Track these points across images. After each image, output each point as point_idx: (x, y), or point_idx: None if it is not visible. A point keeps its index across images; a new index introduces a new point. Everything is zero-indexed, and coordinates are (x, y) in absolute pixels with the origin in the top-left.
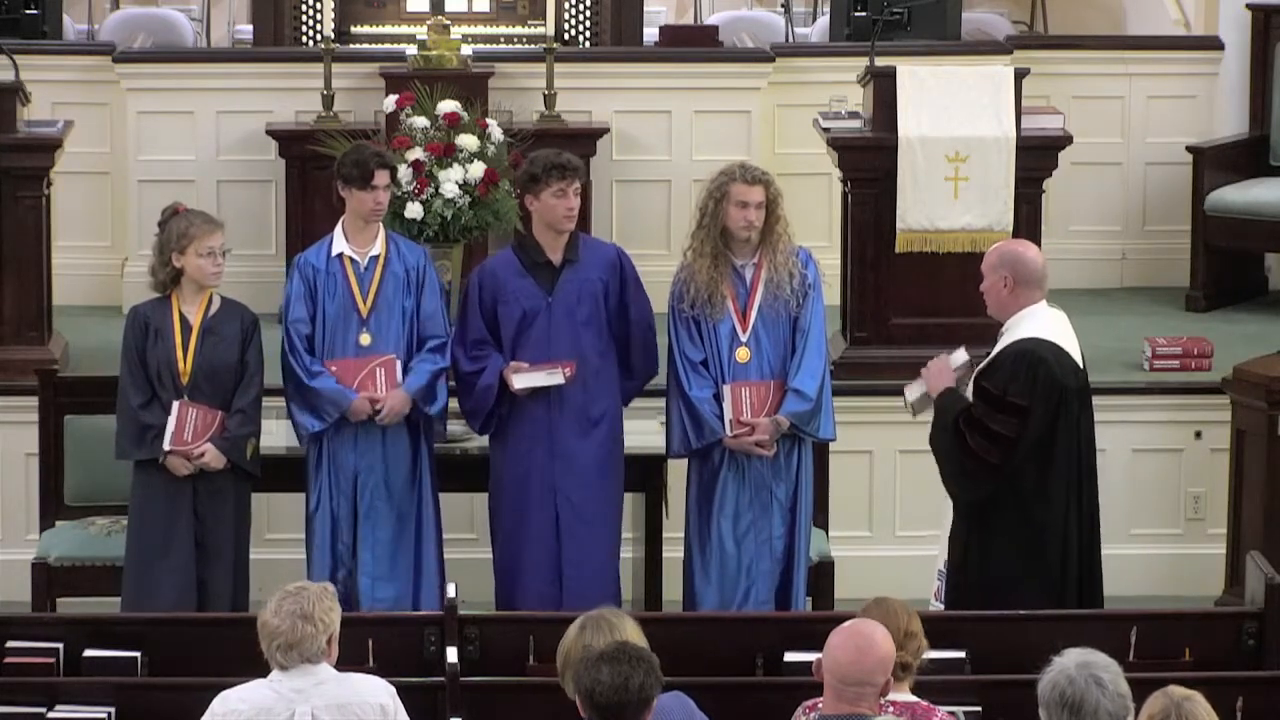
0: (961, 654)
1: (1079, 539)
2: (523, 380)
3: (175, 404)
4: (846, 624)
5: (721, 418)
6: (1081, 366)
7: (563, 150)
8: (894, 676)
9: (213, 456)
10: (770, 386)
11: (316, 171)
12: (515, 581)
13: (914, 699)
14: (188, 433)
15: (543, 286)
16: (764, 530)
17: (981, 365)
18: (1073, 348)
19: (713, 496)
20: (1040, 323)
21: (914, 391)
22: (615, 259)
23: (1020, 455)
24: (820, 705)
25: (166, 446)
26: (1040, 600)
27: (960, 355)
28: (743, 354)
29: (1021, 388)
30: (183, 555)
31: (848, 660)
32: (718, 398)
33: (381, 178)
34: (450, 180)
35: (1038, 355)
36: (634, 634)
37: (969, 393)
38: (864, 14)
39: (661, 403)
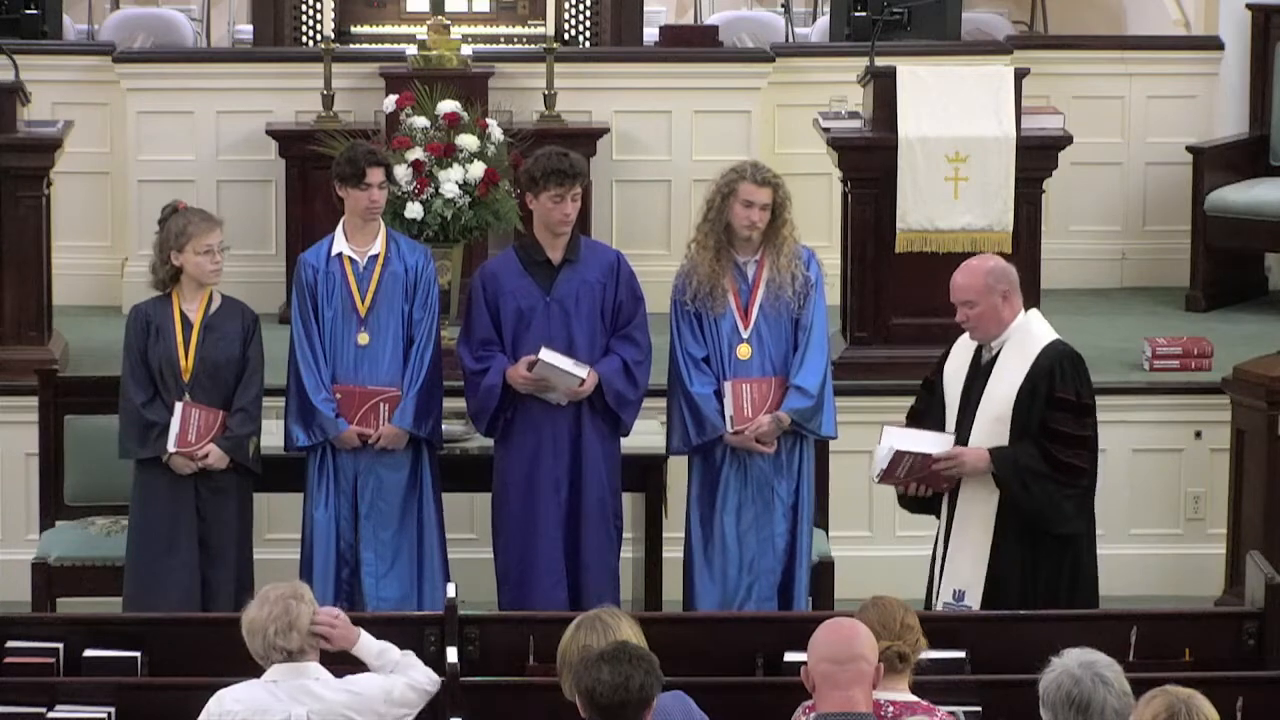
0: (961, 654)
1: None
2: (548, 355)
3: (178, 405)
4: (824, 623)
5: (723, 414)
6: None
7: (568, 152)
8: (893, 668)
9: (216, 457)
10: (771, 383)
11: (316, 171)
12: (523, 583)
13: (914, 699)
14: (191, 433)
15: (541, 285)
16: (766, 527)
17: (1026, 372)
18: None
19: (715, 493)
20: (1043, 324)
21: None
22: (614, 262)
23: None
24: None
25: (170, 448)
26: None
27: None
28: (744, 350)
29: (1086, 388)
30: (187, 554)
31: (839, 640)
32: (719, 394)
33: (375, 175)
34: (450, 180)
35: (1079, 354)
36: (631, 633)
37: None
38: (864, 14)
39: (662, 402)
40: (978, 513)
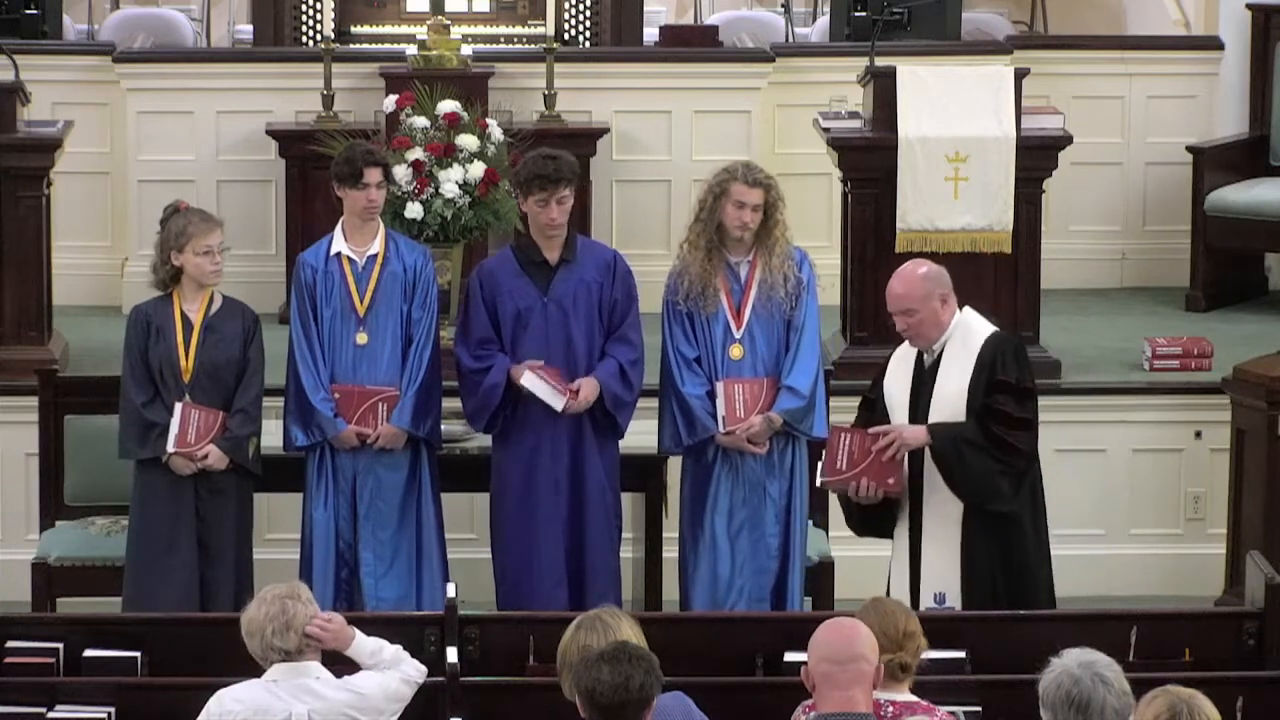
0: (961, 654)
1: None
2: (530, 382)
3: (178, 405)
4: (825, 622)
5: (714, 415)
6: None
7: (557, 154)
8: (894, 677)
9: (216, 458)
10: (763, 384)
11: (316, 171)
12: (520, 583)
13: (914, 699)
14: (191, 434)
15: (538, 286)
16: (757, 528)
17: (973, 366)
18: None
19: (706, 493)
20: (979, 319)
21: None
22: (611, 261)
23: (1036, 441)
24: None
25: (170, 448)
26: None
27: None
28: (736, 351)
29: (1027, 374)
30: (185, 555)
31: (840, 640)
32: (711, 395)
33: (372, 175)
34: (450, 180)
35: (1020, 343)
36: (631, 633)
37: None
38: (864, 14)
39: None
40: (949, 514)
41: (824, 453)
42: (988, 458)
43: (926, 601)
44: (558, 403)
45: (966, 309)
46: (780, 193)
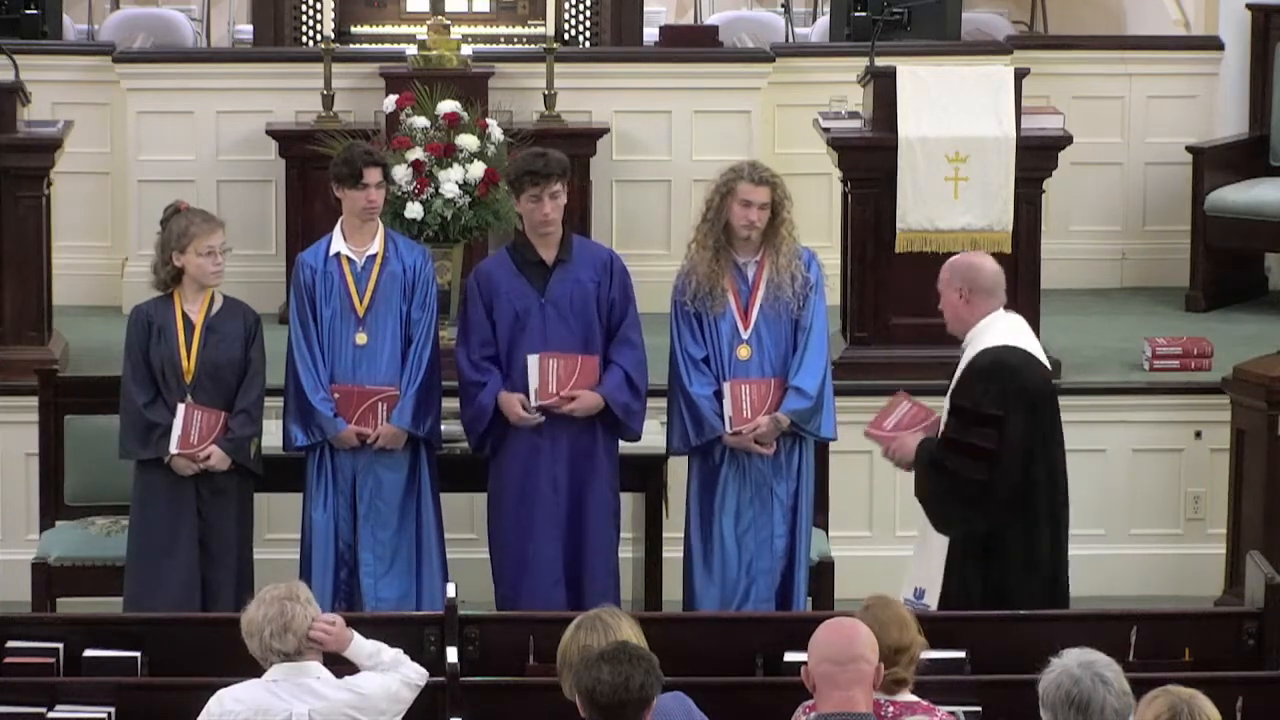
0: (961, 654)
1: (1054, 543)
2: (531, 368)
3: (180, 406)
4: (825, 623)
5: (722, 415)
6: (1049, 368)
7: (545, 151)
8: (888, 691)
9: (218, 459)
10: (771, 384)
11: (316, 171)
12: (518, 583)
13: (914, 699)
14: (194, 435)
15: (535, 286)
16: (764, 529)
17: (952, 384)
18: (1039, 351)
19: (713, 494)
20: (1003, 330)
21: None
22: (608, 260)
23: (1010, 467)
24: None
25: (173, 449)
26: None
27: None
28: (744, 351)
29: (994, 398)
30: (186, 555)
31: (839, 640)
32: (719, 395)
33: (372, 175)
34: (450, 180)
35: (1007, 363)
36: (631, 633)
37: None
38: (864, 14)
39: (662, 402)
40: None
41: (885, 407)
42: (933, 479)
43: (905, 594)
44: (531, 398)
45: (1005, 317)
46: (787, 191)
